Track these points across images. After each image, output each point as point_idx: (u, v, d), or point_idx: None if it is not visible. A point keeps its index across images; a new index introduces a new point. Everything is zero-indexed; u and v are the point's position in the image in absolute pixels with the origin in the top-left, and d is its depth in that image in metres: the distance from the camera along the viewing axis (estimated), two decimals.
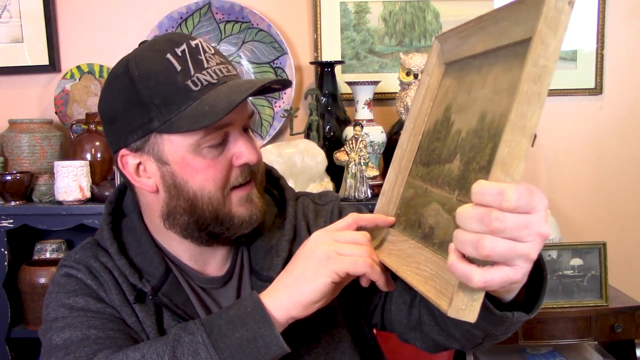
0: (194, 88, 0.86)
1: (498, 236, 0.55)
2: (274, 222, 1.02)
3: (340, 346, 0.97)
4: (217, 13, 2.28)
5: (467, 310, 0.58)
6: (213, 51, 0.91)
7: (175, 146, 0.88)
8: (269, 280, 0.87)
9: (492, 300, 0.71)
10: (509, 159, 0.55)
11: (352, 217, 0.84)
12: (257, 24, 2.27)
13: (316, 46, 2.30)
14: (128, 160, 0.92)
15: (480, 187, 0.56)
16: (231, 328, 0.78)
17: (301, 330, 0.91)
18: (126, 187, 1.03)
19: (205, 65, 0.88)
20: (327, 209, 1.07)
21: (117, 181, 2.03)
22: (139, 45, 0.94)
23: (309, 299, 0.78)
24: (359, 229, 0.84)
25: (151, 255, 0.95)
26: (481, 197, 0.56)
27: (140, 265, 0.95)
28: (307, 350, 0.95)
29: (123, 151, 0.92)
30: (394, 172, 0.87)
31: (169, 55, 0.87)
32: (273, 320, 0.78)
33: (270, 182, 1.08)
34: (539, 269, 0.74)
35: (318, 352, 0.95)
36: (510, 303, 0.72)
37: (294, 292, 0.79)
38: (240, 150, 0.90)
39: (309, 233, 1.03)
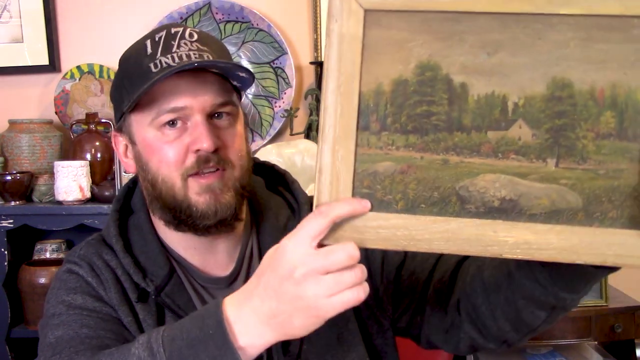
0: (153, 70, 0.88)
1: None
2: (286, 224, 1.01)
3: (348, 355, 0.96)
4: (217, 13, 2.28)
5: None
6: (195, 38, 0.91)
7: (138, 126, 0.92)
8: None
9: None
10: None
11: (325, 217, 0.70)
12: (257, 24, 2.27)
13: (316, 46, 2.30)
14: (118, 141, 0.98)
15: None
16: (192, 353, 0.74)
17: (309, 336, 0.91)
18: (135, 184, 1.03)
19: (173, 50, 0.89)
20: None
21: (117, 181, 2.03)
22: None
23: (294, 337, 0.73)
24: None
25: (156, 254, 0.95)
26: None
27: (144, 264, 0.95)
28: (315, 357, 0.94)
29: (114, 132, 0.99)
30: (328, 145, 0.73)
31: (148, 41, 0.91)
32: (236, 347, 0.72)
33: (283, 185, 1.07)
34: None
35: (326, 359, 0.94)
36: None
37: (277, 333, 0.72)
38: (195, 136, 0.89)
39: None
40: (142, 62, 0.89)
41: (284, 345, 0.92)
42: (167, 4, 2.28)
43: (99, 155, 2.14)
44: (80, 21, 2.33)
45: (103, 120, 2.20)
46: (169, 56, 0.88)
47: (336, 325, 0.95)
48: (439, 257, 0.96)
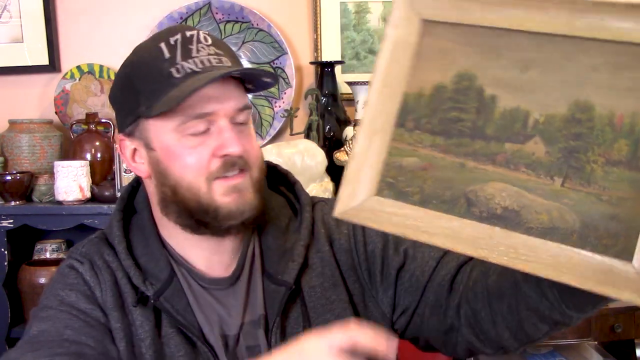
0: (176, 75, 0.87)
1: None
2: (288, 225, 1.01)
3: None
4: (217, 13, 2.28)
5: None
6: (210, 42, 0.92)
7: (159, 131, 0.91)
8: (283, 284, 0.88)
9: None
10: None
11: (350, 339, 0.72)
12: (257, 24, 2.27)
13: (316, 46, 2.30)
14: (125, 145, 0.96)
15: None
16: None
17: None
18: (139, 183, 1.03)
19: (193, 54, 0.89)
20: None
21: (117, 181, 2.04)
22: None
23: None
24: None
25: (157, 256, 0.95)
26: None
27: (145, 267, 0.95)
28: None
29: (120, 136, 0.97)
30: (365, 135, 0.80)
31: (162, 44, 0.90)
32: None
33: (285, 185, 1.07)
34: None
35: None
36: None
37: None
38: (222, 141, 0.89)
39: (329, 240, 1.01)
40: (161, 67, 0.88)
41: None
42: (167, 4, 2.28)
43: (99, 155, 2.14)
44: (80, 21, 2.33)
45: (103, 120, 2.20)
46: (190, 61, 0.88)
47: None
48: (439, 260, 0.96)
